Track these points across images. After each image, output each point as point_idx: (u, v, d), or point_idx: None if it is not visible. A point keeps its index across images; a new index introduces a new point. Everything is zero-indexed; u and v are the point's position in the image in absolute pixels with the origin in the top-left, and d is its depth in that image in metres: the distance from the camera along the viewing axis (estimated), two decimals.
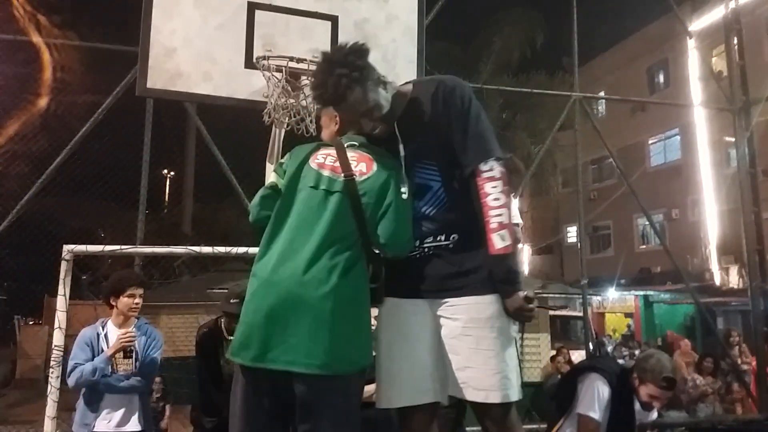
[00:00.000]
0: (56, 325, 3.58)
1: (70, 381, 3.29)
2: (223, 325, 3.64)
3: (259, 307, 1.86)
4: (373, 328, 2.09)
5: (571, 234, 22.07)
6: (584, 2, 6.60)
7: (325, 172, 1.99)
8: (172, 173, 18.38)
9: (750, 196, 6.61)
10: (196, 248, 4.16)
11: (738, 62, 6.87)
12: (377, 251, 1.97)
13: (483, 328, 1.94)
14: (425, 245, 2.03)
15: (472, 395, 1.94)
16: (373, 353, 2.03)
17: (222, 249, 3.93)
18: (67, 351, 3.48)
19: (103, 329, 3.44)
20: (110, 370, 3.32)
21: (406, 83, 2.17)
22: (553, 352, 9.40)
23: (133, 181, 5.93)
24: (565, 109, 6.34)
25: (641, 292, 16.82)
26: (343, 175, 1.96)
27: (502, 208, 1.93)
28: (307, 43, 3.65)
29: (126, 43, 4.68)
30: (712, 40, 10.47)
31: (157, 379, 5.68)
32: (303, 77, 3.52)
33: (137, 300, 3.46)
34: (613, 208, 16.34)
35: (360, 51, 1.97)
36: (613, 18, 21.72)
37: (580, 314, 10.02)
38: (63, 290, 3.60)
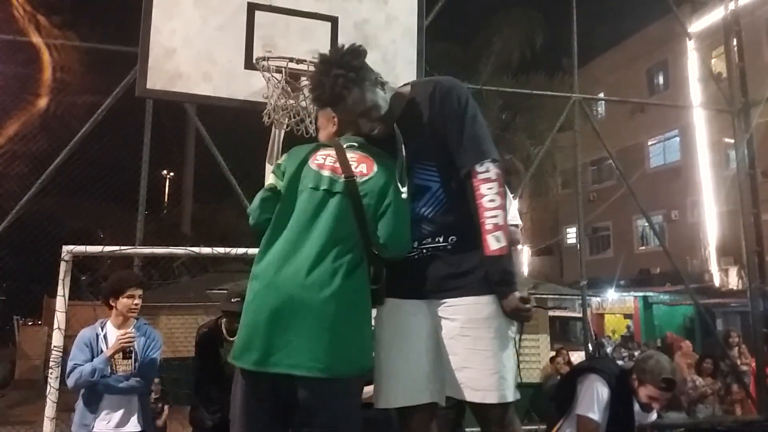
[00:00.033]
0: (55, 325, 3.57)
1: (70, 381, 3.29)
2: (223, 326, 3.64)
3: (261, 310, 1.85)
4: (372, 328, 2.08)
5: (571, 235, 22.06)
6: (584, 3, 6.60)
7: (325, 173, 1.98)
8: (171, 174, 18.41)
9: (749, 198, 6.61)
10: (196, 249, 4.15)
11: (737, 63, 6.88)
12: (376, 252, 1.96)
13: (480, 329, 1.94)
14: (423, 247, 2.03)
15: (469, 396, 1.94)
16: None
17: (221, 250, 3.92)
18: (66, 351, 3.47)
19: (102, 330, 3.44)
20: (109, 371, 3.32)
21: (405, 85, 2.18)
22: (553, 353, 9.39)
23: (132, 182, 5.93)
24: (564, 110, 6.34)
25: (641, 294, 16.85)
26: (343, 176, 1.96)
27: (497, 210, 1.93)
28: (307, 44, 3.64)
29: (126, 44, 4.68)
30: (712, 42, 10.46)
31: (156, 380, 5.67)
32: (303, 78, 3.50)
33: (136, 301, 3.46)
34: (613, 209, 16.36)
35: (357, 52, 1.98)
36: (612, 19, 21.75)
37: (580, 315, 10.03)
38: (62, 291, 3.60)
